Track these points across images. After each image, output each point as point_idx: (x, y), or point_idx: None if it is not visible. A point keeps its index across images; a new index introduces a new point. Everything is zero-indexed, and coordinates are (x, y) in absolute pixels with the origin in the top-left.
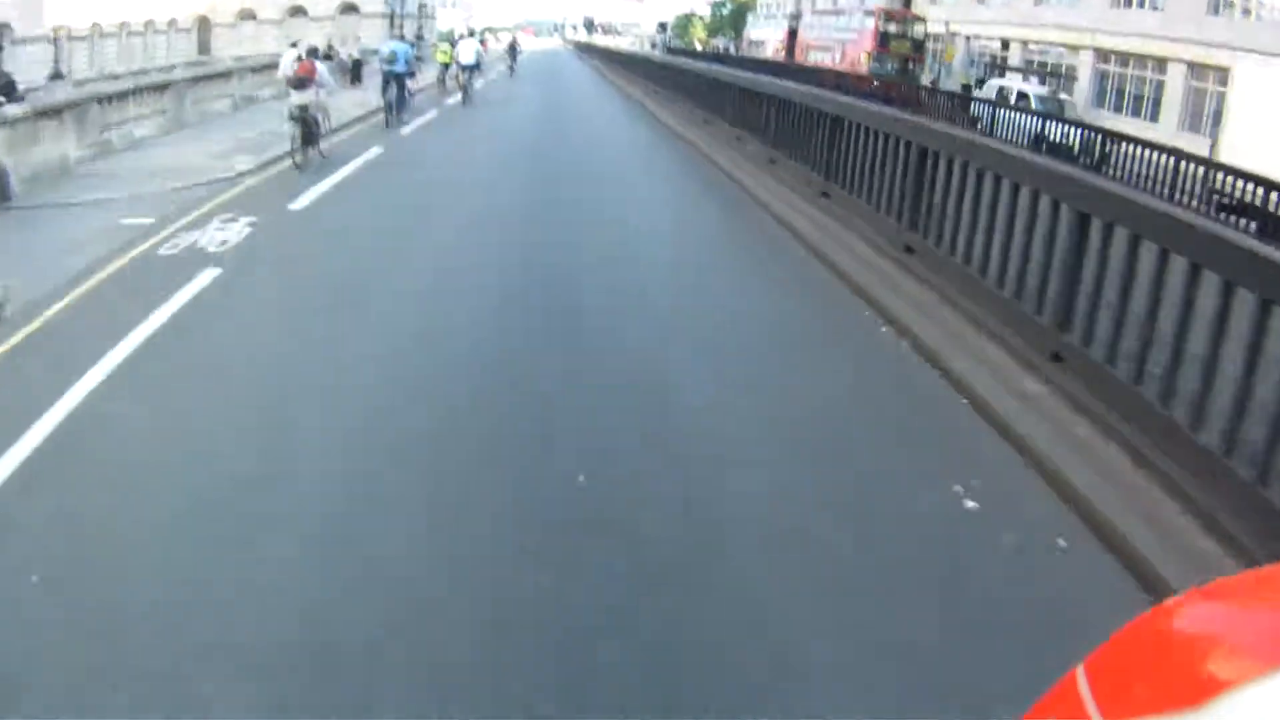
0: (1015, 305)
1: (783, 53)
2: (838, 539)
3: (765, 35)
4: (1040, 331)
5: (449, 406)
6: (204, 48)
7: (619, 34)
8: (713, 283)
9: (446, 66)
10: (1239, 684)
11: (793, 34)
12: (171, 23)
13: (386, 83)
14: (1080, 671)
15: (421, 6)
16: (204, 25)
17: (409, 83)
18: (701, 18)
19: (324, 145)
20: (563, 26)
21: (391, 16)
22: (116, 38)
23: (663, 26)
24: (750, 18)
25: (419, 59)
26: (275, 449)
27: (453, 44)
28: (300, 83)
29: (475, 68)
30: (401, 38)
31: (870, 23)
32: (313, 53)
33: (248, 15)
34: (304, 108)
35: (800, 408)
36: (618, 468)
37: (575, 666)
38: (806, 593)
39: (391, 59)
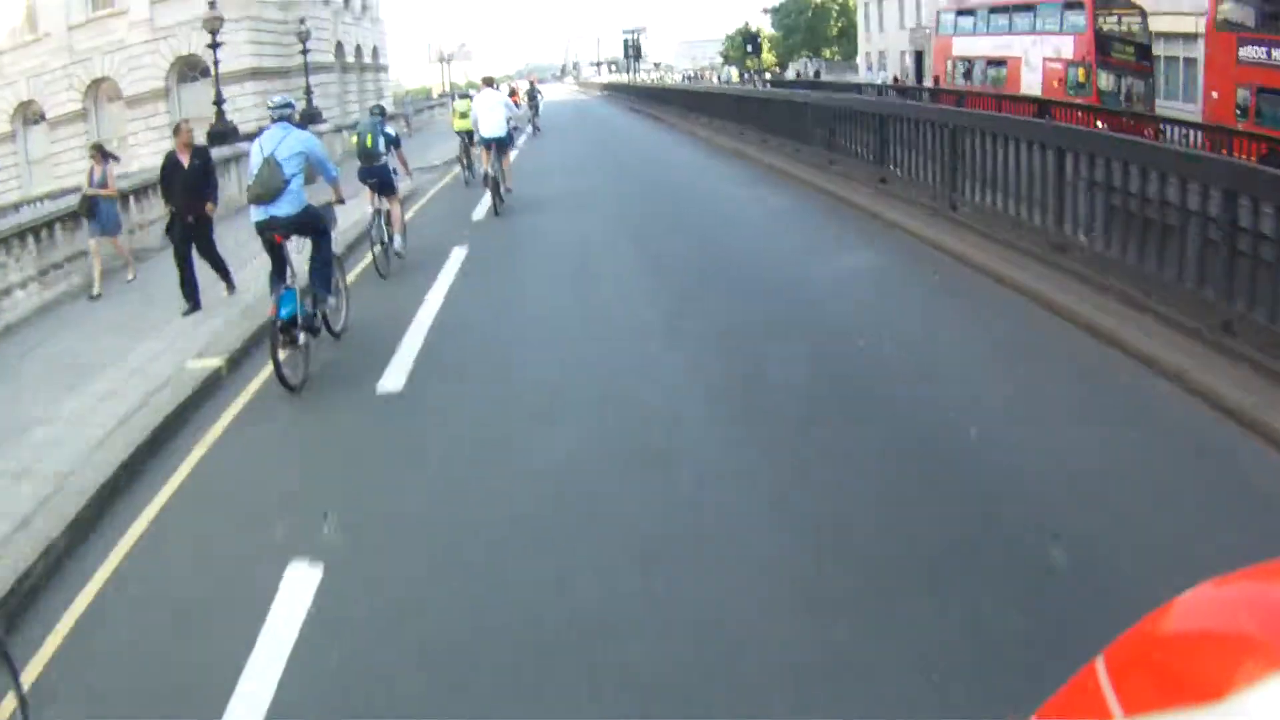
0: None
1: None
2: None
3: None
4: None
5: None
6: None
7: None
8: None
9: (468, 139)
10: (1262, 677)
11: (920, 56)
12: None
13: (274, 254)
14: (1100, 662)
15: (357, 51)
16: None
17: (386, 203)
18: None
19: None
20: (575, 67)
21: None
22: None
23: (749, 41)
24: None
25: (392, 141)
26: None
27: (465, 98)
28: None
29: (505, 142)
30: (293, 117)
31: (1081, 19)
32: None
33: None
34: None
35: None
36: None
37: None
38: None
39: (265, 189)
